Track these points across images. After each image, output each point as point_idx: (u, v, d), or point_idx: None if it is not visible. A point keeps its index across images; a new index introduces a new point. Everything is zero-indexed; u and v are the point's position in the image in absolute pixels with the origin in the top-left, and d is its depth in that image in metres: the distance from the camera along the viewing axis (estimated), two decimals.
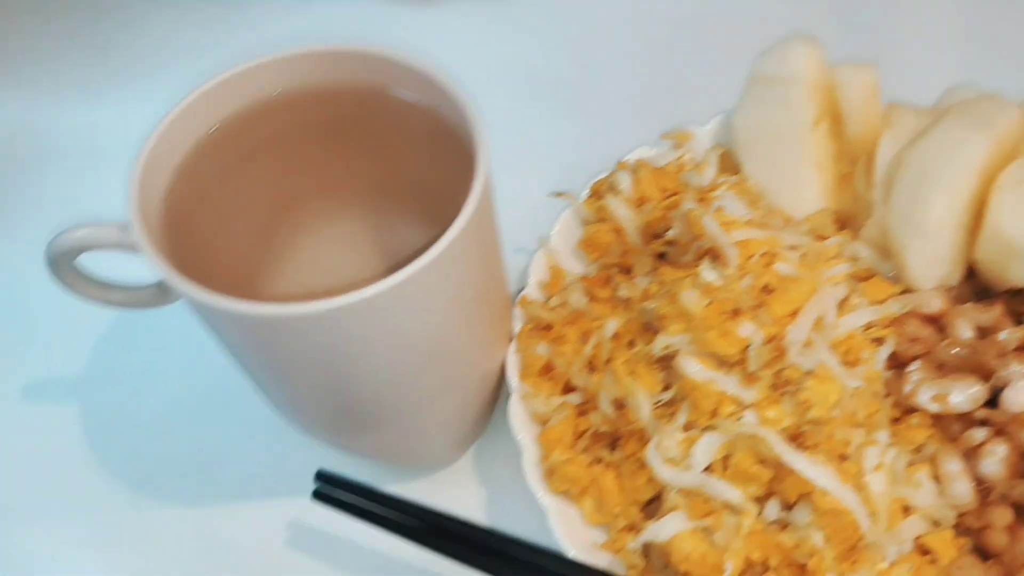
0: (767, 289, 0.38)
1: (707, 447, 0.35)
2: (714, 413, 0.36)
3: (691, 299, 0.37)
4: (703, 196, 0.42)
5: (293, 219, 0.36)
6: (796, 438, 0.35)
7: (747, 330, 0.36)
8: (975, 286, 0.42)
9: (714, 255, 0.39)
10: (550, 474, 0.37)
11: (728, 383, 0.35)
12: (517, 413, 0.39)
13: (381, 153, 0.38)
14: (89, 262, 0.36)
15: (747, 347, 0.36)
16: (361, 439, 0.40)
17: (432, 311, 0.33)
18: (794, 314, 0.37)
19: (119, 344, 0.49)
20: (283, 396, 0.37)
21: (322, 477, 0.38)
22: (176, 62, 0.59)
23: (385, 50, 0.36)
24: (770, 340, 0.36)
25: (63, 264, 0.35)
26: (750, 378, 0.36)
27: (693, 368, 0.36)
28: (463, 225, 0.31)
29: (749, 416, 0.35)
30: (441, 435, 0.41)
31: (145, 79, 0.60)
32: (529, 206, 0.46)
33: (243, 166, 0.37)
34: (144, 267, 0.32)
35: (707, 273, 0.38)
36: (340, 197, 0.37)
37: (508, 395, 0.40)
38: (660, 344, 0.37)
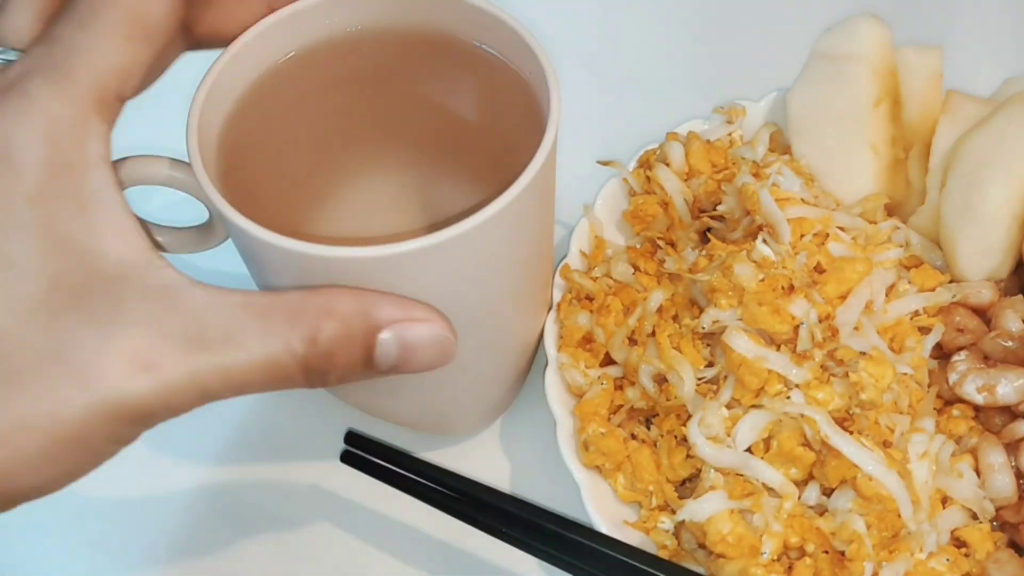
0: (819, 269, 0.38)
1: (752, 426, 0.35)
2: (760, 392, 0.35)
3: (745, 273, 0.36)
4: (757, 171, 0.41)
5: (350, 163, 0.35)
6: (842, 421, 0.35)
7: (800, 308, 0.36)
8: (1022, 280, 0.41)
9: (766, 231, 0.39)
10: (585, 448, 0.37)
11: (778, 361, 0.35)
12: (553, 383, 0.39)
13: (447, 102, 0.37)
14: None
15: (798, 326, 0.36)
16: (393, 400, 0.39)
17: (484, 268, 0.32)
18: (845, 296, 0.37)
19: None
20: None
21: (351, 439, 0.38)
22: None
23: None
24: (823, 319, 0.36)
25: None
26: (800, 357, 0.35)
27: (742, 344, 0.35)
28: (529, 181, 0.30)
29: (796, 396, 0.35)
30: (474, 401, 0.41)
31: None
32: (576, 174, 0.45)
33: (305, 104, 0.36)
34: (182, 208, 0.31)
35: (763, 247, 0.37)
36: (402, 144, 0.36)
37: (545, 365, 0.40)
38: (709, 318, 0.36)
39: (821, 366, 0.35)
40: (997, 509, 0.35)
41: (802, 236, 0.38)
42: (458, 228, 0.29)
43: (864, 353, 0.35)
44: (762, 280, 0.36)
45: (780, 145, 0.45)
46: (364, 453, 0.38)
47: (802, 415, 0.34)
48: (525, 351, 0.40)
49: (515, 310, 0.37)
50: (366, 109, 0.36)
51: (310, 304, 0.27)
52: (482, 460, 0.42)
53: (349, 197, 0.35)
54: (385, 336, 0.28)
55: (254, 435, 0.43)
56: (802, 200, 0.40)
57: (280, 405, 0.44)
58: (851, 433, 0.34)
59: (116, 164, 0.32)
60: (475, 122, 0.37)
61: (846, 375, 0.35)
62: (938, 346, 0.39)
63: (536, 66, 0.33)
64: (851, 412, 0.34)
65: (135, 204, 0.28)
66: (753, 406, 0.35)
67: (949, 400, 0.38)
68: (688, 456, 0.36)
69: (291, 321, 0.27)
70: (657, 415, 0.38)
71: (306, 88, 0.36)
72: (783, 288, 0.36)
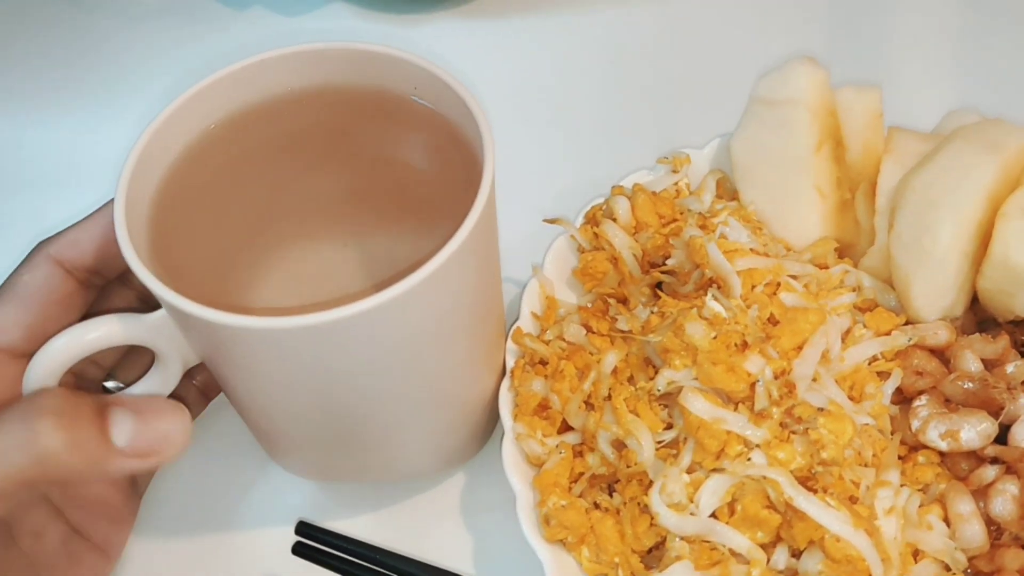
0: (772, 320, 0.37)
1: (714, 491, 0.34)
2: (720, 454, 0.34)
3: (697, 331, 0.35)
4: (704, 222, 0.41)
5: (286, 228, 0.34)
6: (806, 480, 0.34)
7: (755, 364, 0.35)
8: (977, 315, 0.41)
9: (716, 284, 0.38)
10: (546, 521, 0.36)
11: (736, 421, 0.34)
12: (511, 455, 0.37)
13: (381, 161, 0.36)
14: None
15: (755, 382, 0.35)
16: (342, 459, 0.38)
17: (424, 329, 0.31)
18: (800, 347, 0.36)
19: None
20: (266, 416, 0.35)
21: (302, 529, 0.36)
22: (154, 81, 0.57)
23: (386, 48, 0.34)
24: (778, 375, 0.35)
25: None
26: (758, 416, 0.34)
27: (699, 406, 0.34)
28: (465, 237, 0.29)
29: (757, 457, 0.34)
30: (425, 456, 0.39)
31: (124, 98, 0.58)
32: (522, 233, 0.44)
33: (236, 172, 0.35)
34: None
35: (713, 304, 0.36)
36: (337, 205, 0.35)
37: (503, 433, 0.39)
38: (664, 380, 0.36)
39: (780, 424, 0.34)
40: (969, 559, 0.35)
41: (753, 287, 0.38)
42: (391, 292, 0.28)
43: (822, 409, 0.34)
44: (714, 338, 0.35)
45: (728, 191, 0.45)
46: (316, 543, 0.36)
47: (764, 477, 0.33)
48: (481, 406, 0.39)
49: (465, 367, 0.36)
50: (300, 171, 0.36)
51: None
52: (443, 539, 0.40)
53: (287, 263, 0.34)
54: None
55: (202, 526, 0.41)
56: (751, 250, 0.39)
57: (229, 493, 0.42)
58: (816, 491, 0.33)
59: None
60: (413, 178, 0.36)
61: (806, 432, 0.34)
62: (899, 390, 0.38)
63: (470, 119, 0.32)
64: (813, 471, 0.33)
65: None
66: (714, 469, 0.34)
67: (914, 446, 0.37)
68: (652, 524, 0.35)
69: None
70: (619, 480, 0.37)
71: (236, 156, 0.35)
72: (736, 345, 0.35)
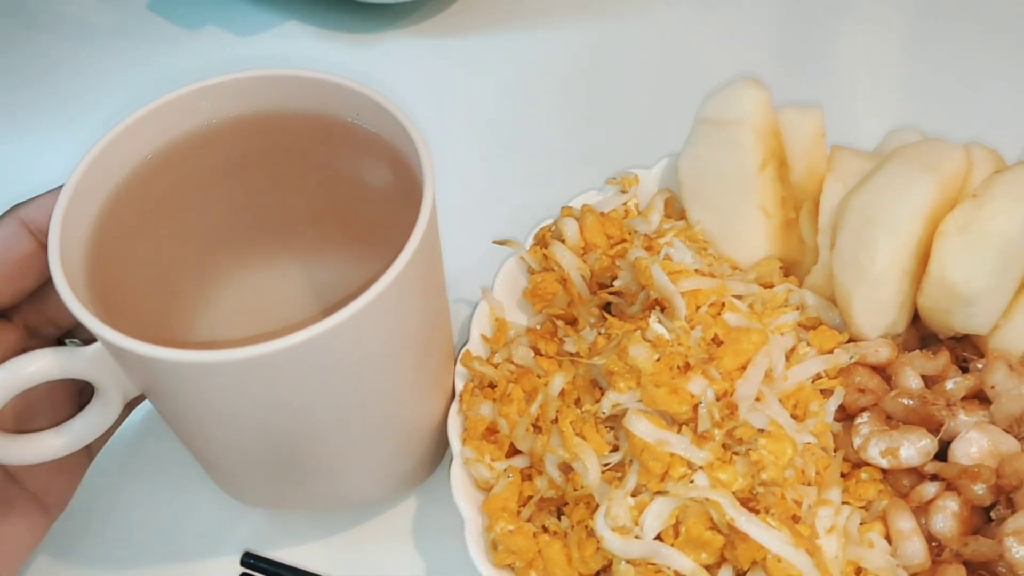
0: (716, 341, 0.37)
1: (658, 513, 0.34)
2: (664, 476, 0.34)
3: (641, 354, 0.36)
4: (650, 243, 0.41)
5: (228, 258, 0.34)
6: (748, 500, 0.34)
7: (698, 386, 0.35)
8: (920, 331, 0.42)
9: (662, 305, 0.38)
10: (494, 546, 0.36)
11: (679, 444, 0.34)
12: (459, 479, 0.37)
13: (322, 187, 0.36)
14: None
15: (698, 404, 0.35)
16: (290, 488, 0.38)
17: (367, 356, 0.31)
18: (744, 367, 0.36)
19: None
20: (209, 447, 0.35)
21: (248, 560, 0.36)
22: (100, 103, 0.56)
23: (327, 74, 0.34)
24: (721, 396, 0.35)
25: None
26: (701, 438, 0.34)
27: (642, 428, 0.34)
28: (405, 264, 0.29)
29: (700, 479, 0.34)
30: (375, 483, 0.39)
31: (75, 120, 0.57)
32: (472, 254, 0.44)
33: (174, 201, 0.34)
34: None
35: (656, 326, 0.37)
36: (279, 233, 0.35)
37: (451, 459, 0.39)
38: (608, 402, 0.36)
39: (723, 445, 0.34)
40: (912, 575, 0.35)
41: (698, 308, 0.38)
42: (331, 321, 0.28)
43: (763, 430, 0.34)
44: (658, 360, 0.35)
45: (676, 210, 0.45)
46: (262, 575, 0.36)
47: (707, 499, 0.33)
48: (430, 431, 0.39)
49: (412, 395, 0.36)
50: (241, 199, 0.35)
51: None
52: (394, 565, 0.40)
53: (230, 293, 0.34)
54: None
55: (146, 557, 0.41)
56: (696, 271, 0.39)
57: (175, 522, 0.41)
58: (758, 512, 0.33)
59: None
60: (356, 205, 0.36)
61: (748, 453, 0.34)
62: (842, 408, 0.39)
63: (411, 145, 0.32)
64: (755, 492, 0.34)
65: None
66: (659, 492, 0.34)
67: (857, 463, 0.38)
68: (599, 548, 0.35)
69: None
70: (568, 503, 0.37)
71: (175, 185, 0.35)
72: (679, 367, 0.35)
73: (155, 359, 0.28)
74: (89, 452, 0.36)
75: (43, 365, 0.30)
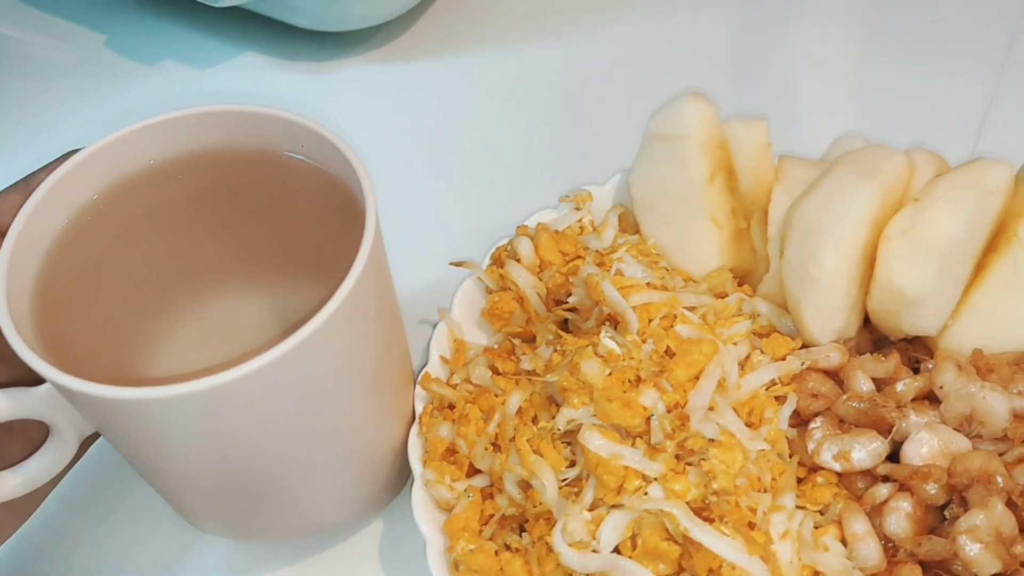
0: (669, 353, 0.38)
1: (614, 527, 0.34)
2: (620, 489, 0.35)
3: (592, 369, 0.36)
4: (602, 259, 0.42)
5: (179, 294, 0.35)
6: (702, 510, 0.34)
7: (650, 399, 0.36)
8: (873, 333, 0.42)
9: (615, 320, 0.39)
10: (456, 566, 0.36)
11: (632, 456, 0.35)
12: (420, 501, 0.38)
13: (271, 220, 0.36)
14: None
15: (650, 417, 0.35)
16: (253, 518, 0.38)
17: (318, 385, 0.31)
18: (696, 378, 0.37)
19: None
20: (169, 480, 0.35)
21: None
22: (61, 142, 0.56)
23: (270, 109, 0.35)
24: (673, 407, 0.36)
25: None
26: (654, 450, 0.35)
27: (596, 443, 0.35)
28: (349, 290, 0.30)
29: (655, 490, 0.34)
30: (339, 509, 0.39)
31: (31, 159, 0.57)
32: (430, 276, 0.45)
33: (123, 240, 0.35)
34: None
35: (607, 341, 0.37)
36: (229, 268, 0.36)
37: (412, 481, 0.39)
38: (563, 418, 0.36)
39: (676, 456, 0.35)
40: None
41: (650, 321, 0.39)
42: (277, 351, 0.28)
43: (713, 440, 0.35)
44: (609, 374, 0.36)
45: (631, 225, 0.46)
46: None
47: (661, 510, 0.34)
48: (391, 454, 0.39)
49: (368, 420, 0.37)
50: (189, 235, 0.36)
51: None
52: (362, 564, 0.40)
53: (180, 328, 0.34)
54: None
55: None
56: (647, 284, 0.40)
57: (142, 553, 0.41)
58: (712, 521, 0.34)
59: None
60: (304, 236, 0.36)
61: (700, 463, 0.34)
62: (796, 413, 0.39)
63: (354, 176, 0.33)
64: (708, 501, 0.34)
65: None
66: (615, 505, 0.35)
67: (813, 467, 0.38)
68: (559, 564, 0.35)
69: None
70: (529, 520, 0.38)
71: (123, 224, 0.35)
72: (631, 380, 0.36)
73: (104, 398, 0.28)
74: (41, 490, 0.36)
75: None
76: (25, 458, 0.34)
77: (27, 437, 0.34)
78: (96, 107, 0.61)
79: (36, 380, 0.31)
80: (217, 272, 0.35)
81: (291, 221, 0.36)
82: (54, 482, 0.35)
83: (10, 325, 0.29)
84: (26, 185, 0.33)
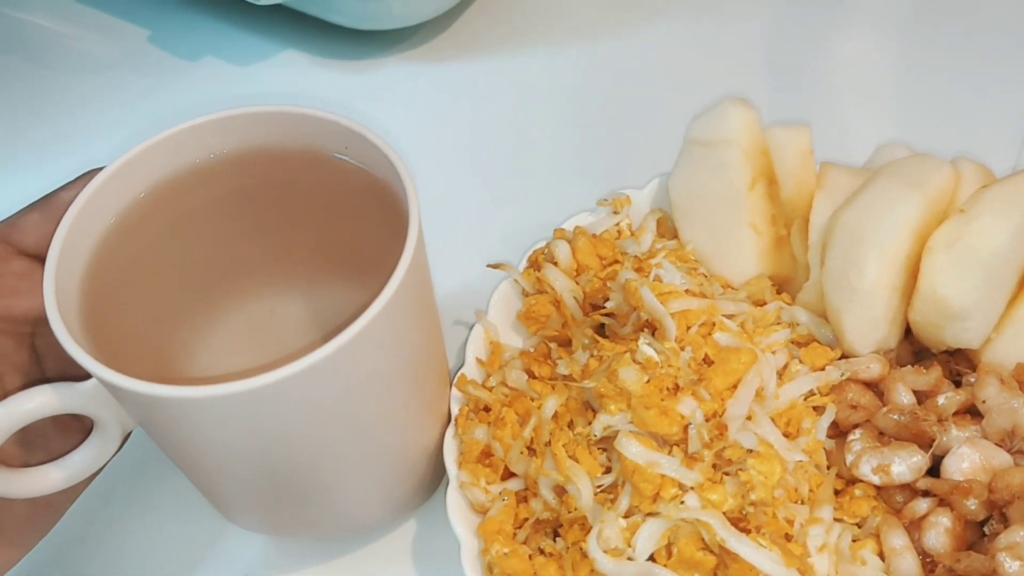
0: (707, 360, 0.38)
1: (650, 535, 0.34)
2: (656, 497, 0.35)
3: (630, 376, 0.36)
4: (640, 264, 0.41)
5: (222, 292, 0.35)
6: (739, 520, 0.34)
7: (688, 407, 0.35)
8: (914, 345, 0.42)
9: (653, 326, 0.39)
10: (490, 569, 0.36)
11: (669, 465, 0.34)
12: (455, 503, 0.38)
13: (314, 220, 0.37)
14: None
15: (688, 425, 0.35)
16: (290, 516, 0.38)
17: (359, 385, 0.32)
18: (735, 386, 0.37)
19: None
20: (210, 477, 0.36)
21: None
22: (102, 137, 0.57)
23: (316, 111, 0.35)
24: (711, 416, 0.36)
25: None
26: (691, 459, 0.35)
27: (633, 450, 0.35)
28: (392, 293, 0.30)
29: (691, 499, 0.34)
30: (374, 508, 0.40)
31: (77, 154, 0.58)
32: (467, 277, 0.45)
33: (168, 238, 0.35)
34: None
35: (645, 348, 0.37)
36: (271, 268, 0.36)
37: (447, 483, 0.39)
38: (600, 425, 0.36)
39: (713, 466, 0.35)
40: None
41: (688, 328, 0.38)
42: (321, 352, 0.29)
43: (752, 450, 0.35)
44: (647, 382, 0.36)
45: (669, 229, 0.46)
46: None
47: (697, 520, 0.33)
48: (427, 455, 0.40)
49: (407, 420, 0.37)
50: (234, 235, 0.36)
51: None
52: (395, 565, 0.40)
53: (225, 327, 0.34)
54: None
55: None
56: (686, 291, 0.40)
57: (179, 548, 0.42)
58: (749, 531, 0.34)
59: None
60: (346, 237, 0.36)
61: (737, 473, 0.34)
62: (835, 424, 0.39)
63: (397, 177, 0.33)
64: (744, 512, 0.34)
65: None
66: (650, 513, 0.34)
67: (851, 479, 0.38)
68: (593, 570, 0.35)
69: None
70: (563, 525, 0.38)
71: (168, 223, 0.35)
72: (669, 388, 0.36)
73: (149, 395, 0.28)
74: (77, 486, 0.37)
75: (42, 402, 0.31)
76: (64, 453, 0.34)
77: (63, 429, 0.35)
78: (139, 102, 0.62)
79: (82, 376, 0.32)
80: (260, 271, 0.36)
81: (334, 222, 0.36)
82: (91, 478, 0.36)
83: (59, 321, 0.30)
84: (46, 203, 0.34)
